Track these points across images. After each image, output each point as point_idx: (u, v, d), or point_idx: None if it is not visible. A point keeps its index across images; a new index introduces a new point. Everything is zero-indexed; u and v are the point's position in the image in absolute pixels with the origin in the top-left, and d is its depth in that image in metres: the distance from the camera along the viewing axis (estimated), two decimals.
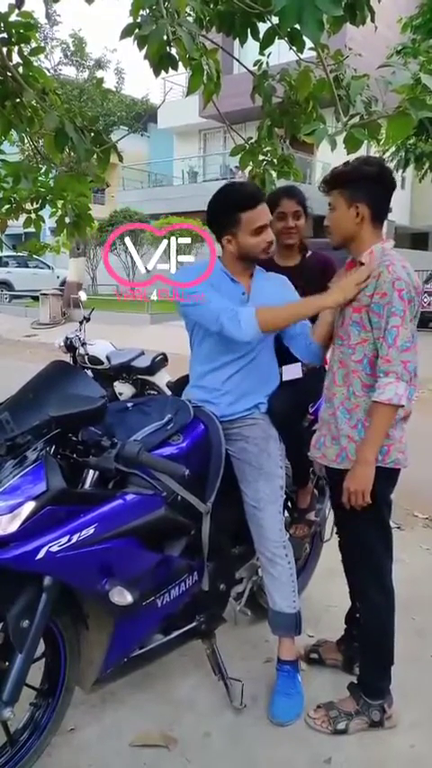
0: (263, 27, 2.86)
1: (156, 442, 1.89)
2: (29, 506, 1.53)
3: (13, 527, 1.52)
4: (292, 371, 2.36)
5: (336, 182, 1.98)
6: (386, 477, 1.96)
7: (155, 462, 1.70)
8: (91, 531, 1.62)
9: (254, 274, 2.25)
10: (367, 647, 2.14)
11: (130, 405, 2.10)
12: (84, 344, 5.04)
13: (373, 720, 2.09)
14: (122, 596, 1.70)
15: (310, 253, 2.59)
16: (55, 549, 1.56)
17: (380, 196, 1.97)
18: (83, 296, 5.64)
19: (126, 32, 2.52)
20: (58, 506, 1.58)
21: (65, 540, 1.57)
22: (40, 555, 1.54)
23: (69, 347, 5.07)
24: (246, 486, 2.19)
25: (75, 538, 1.59)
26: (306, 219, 2.49)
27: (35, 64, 3.12)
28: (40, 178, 3.35)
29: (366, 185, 1.94)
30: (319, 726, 2.08)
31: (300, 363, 2.38)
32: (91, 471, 1.72)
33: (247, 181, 2.22)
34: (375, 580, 2.06)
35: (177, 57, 2.61)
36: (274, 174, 3.54)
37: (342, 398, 2.01)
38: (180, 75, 13.67)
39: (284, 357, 2.36)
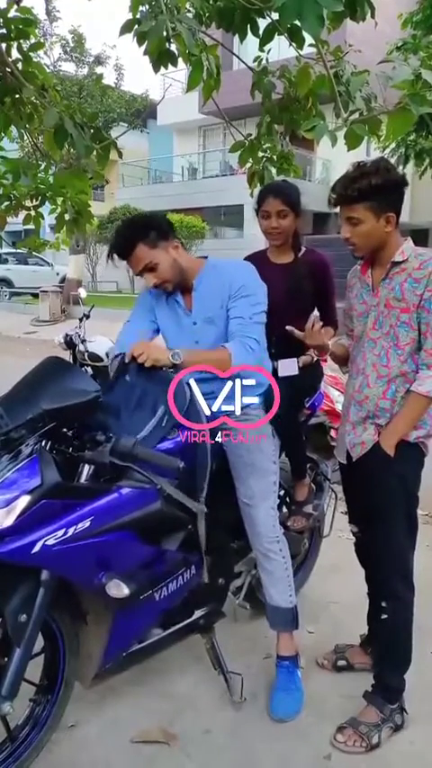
0: (262, 23, 2.84)
1: (158, 439, 1.87)
2: (24, 500, 1.53)
3: (9, 521, 1.52)
4: (288, 367, 2.35)
5: (361, 196, 1.85)
6: (415, 459, 1.98)
7: (150, 455, 1.70)
8: (87, 524, 1.62)
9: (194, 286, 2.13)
10: (391, 647, 2.10)
11: None
12: (83, 341, 5.02)
13: (397, 725, 2.07)
14: (119, 589, 1.70)
15: (303, 250, 2.51)
16: (51, 542, 1.56)
17: (402, 199, 1.91)
18: (83, 293, 5.62)
19: (125, 28, 2.51)
20: (53, 500, 1.58)
21: (60, 533, 1.57)
22: (36, 548, 1.54)
23: (69, 344, 5.05)
24: (238, 482, 2.19)
25: (70, 531, 1.59)
26: (297, 218, 2.40)
27: (34, 60, 3.11)
28: (39, 175, 3.34)
29: (394, 192, 1.88)
30: (353, 747, 1.99)
31: (295, 359, 2.38)
32: (86, 465, 1.72)
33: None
34: (402, 575, 2.03)
35: (177, 53, 2.60)
36: (274, 171, 3.53)
37: (376, 400, 1.98)
38: (180, 72, 13.62)
39: (280, 352, 2.36)
